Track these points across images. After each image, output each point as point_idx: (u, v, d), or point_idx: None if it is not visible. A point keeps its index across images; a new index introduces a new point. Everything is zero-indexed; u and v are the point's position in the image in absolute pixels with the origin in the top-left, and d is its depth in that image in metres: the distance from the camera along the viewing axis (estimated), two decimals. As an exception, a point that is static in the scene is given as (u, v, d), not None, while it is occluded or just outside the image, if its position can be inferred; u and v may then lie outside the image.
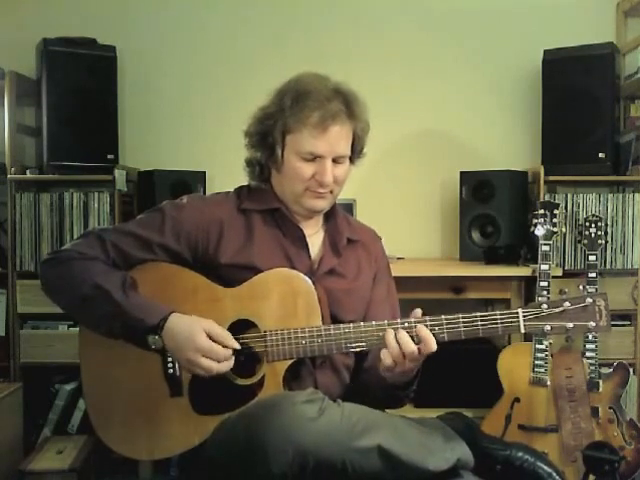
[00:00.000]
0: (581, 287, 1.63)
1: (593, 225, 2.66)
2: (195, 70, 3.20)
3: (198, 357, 1.49)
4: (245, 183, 1.77)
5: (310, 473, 1.32)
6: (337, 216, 1.75)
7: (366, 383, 1.68)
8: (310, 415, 1.34)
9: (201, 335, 1.49)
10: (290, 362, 1.55)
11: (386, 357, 1.48)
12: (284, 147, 1.62)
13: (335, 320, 1.62)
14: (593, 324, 1.48)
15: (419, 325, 1.48)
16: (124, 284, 1.55)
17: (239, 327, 1.57)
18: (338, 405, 1.42)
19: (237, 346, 1.52)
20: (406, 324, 1.50)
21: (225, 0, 3.20)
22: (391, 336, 1.47)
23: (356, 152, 1.68)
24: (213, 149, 3.13)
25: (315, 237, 1.72)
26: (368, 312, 1.73)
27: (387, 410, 1.60)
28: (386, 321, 1.52)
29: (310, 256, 1.68)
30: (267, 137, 1.63)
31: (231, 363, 1.52)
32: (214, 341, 1.50)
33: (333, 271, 1.69)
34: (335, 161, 1.61)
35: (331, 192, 1.65)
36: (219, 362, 1.49)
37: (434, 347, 1.47)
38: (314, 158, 1.60)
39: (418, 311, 1.53)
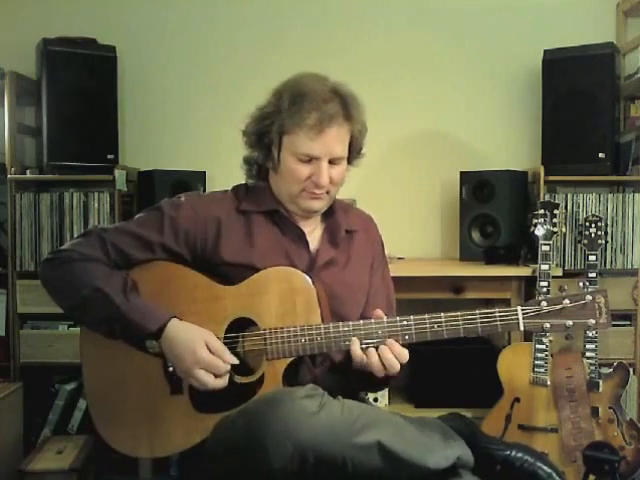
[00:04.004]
0: (581, 284, 1.62)
1: (593, 225, 2.66)
2: (195, 70, 3.20)
3: (196, 369, 1.49)
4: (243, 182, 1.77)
5: (310, 468, 1.32)
6: (336, 212, 1.75)
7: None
8: (310, 410, 1.35)
9: (202, 347, 1.50)
10: (289, 360, 1.55)
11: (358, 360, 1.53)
12: (280, 148, 1.62)
13: (337, 315, 1.62)
14: (593, 321, 1.47)
15: (390, 341, 1.50)
16: (125, 287, 1.55)
17: (239, 325, 1.57)
18: (338, 401, 1.42)
19: (235, 361, 1.52)
20: (405, 322, 1.51)
21: (225, 0, 3.20)
22: (375, 357, 1.51)
23: (354, 153, 1.68)
24: (213, 149, 3.13)
25: (314, 233, 1.72)
26: (366, 301, 1.73)
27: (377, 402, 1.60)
28: (385, 319, 1.53)
29: (310, 252, 1.68)
30: (264, 137, 1.63)
31: (226, 380, 1.52)
32: (213, 354, 1.50)
33: (332, 262, 1.69)
34: (331, 162, 1.61)
35: (327, 193, 1.65)
36: (216, 377, 1.50)
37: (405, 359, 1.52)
38: (310, 159, 1.60)
39: (379, 312, 1.55)
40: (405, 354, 1.51)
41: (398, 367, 1.51)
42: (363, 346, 1.52)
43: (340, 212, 1.76)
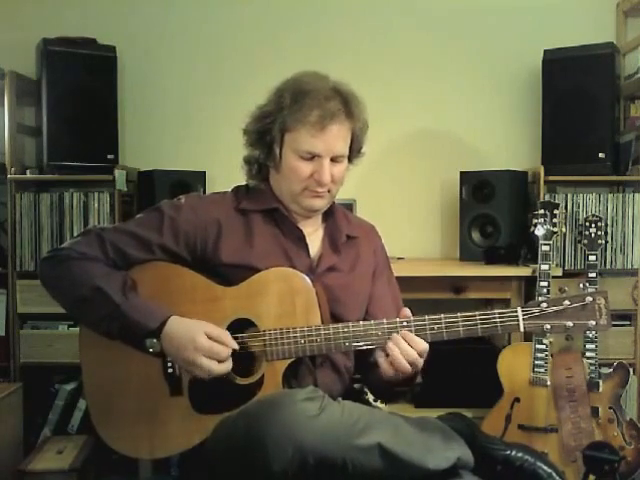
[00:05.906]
0: (581, 285, 1.62)
1: (593, 225, 2.66)
2: (195, 70, 3.20)
3: (198, 357, 1.49)
4: (243, 183, 1.77)
5: (310, 471, 1.32)
6: (336, 214, 1.75)
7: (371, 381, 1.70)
8: (310, 413, 1.34)
9: (201, 335, 1.50)
10: (289, 361, 1.55)
11: (386, 368, 1.53)
12: (282, 146, 1.62)
13: (337, 318, 1.62)
14: (593, 323, 1.47)
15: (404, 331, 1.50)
16: (124, 286, 1.55)
17: (238, 326, 1.57)
18: (338, 403, 1.42)
19: (235, 346, 1.52)
20: (405, 323, 1.51)
21: (225, 0, 3.20)
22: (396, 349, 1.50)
23: (354, 151, 1.68)
24: (213, 149, 3.13)
25: (314, 236, 1.72)
26: (370, 308, 1.73)
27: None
28: (385, 320, 1.53)
29: (309, 255, 1.68)
30: (265, 135, 1.63)
31: (229, 365, 1.52)
32: (214, 341, 1.50)
33: (333, 268, 1.69)
34: (333, 160, 1.61)
35: (329, 191, 1.65)
36: (219, 362, 1.49)
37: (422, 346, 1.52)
38: (312, 157, 1.60)
39: (407, 310, 1.54)
40: (421, 342, 1.51)
41: (415, 356, 1.51)
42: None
43: (341, 217, 1.76)
